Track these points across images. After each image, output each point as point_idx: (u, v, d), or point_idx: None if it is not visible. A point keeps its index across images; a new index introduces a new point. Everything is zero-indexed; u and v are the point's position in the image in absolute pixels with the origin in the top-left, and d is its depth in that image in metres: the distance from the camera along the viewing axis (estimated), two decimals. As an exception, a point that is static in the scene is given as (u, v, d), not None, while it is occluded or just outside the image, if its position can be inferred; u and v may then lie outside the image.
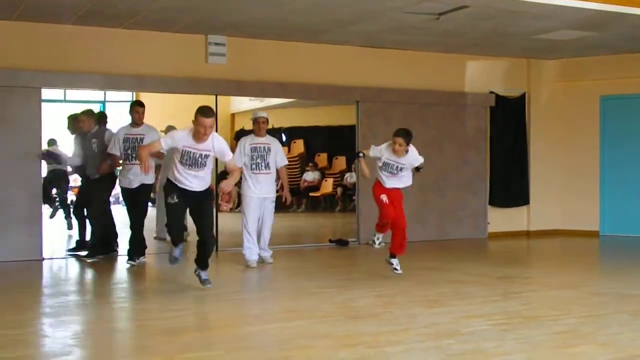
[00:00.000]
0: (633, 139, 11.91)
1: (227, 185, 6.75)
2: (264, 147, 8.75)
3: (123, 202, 9.11)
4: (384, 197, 7.63)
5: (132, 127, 8.77)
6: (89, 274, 8.39)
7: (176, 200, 6.68)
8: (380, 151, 7.69)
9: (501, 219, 12.19)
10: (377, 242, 7.96)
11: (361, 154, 7.91)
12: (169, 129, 10.93)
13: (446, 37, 10.25)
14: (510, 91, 12.19)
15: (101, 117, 10.21)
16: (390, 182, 7.69)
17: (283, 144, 19.28)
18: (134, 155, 8.52)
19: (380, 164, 7.69)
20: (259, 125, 8.78)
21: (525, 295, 6.86)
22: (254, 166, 8.68)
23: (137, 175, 8.55)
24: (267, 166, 8.69)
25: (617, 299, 6.58)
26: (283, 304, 6.44)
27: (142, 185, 8.70)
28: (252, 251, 8.62)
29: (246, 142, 8.71)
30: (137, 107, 8.79)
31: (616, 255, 10.30)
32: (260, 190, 8.69)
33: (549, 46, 10.94)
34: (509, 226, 12.27)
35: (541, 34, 9.98)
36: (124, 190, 8.82)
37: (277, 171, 8.88)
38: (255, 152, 8.63)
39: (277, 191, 9.24)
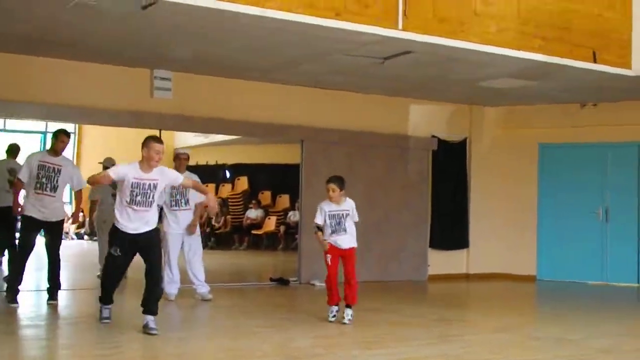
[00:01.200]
0: (568, 188, 12.13)
1: (212, 201, 7.05)
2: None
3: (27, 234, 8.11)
4: (328, 257, 7.47)
5: (49, 155, 8.16)
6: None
7: (119, 254, 6.55)
8: (321, 209, 7.52)
9: (441, 262, 12.26)
10: (330, 316, 7.45)
11: (317, 227, 7.64)
12: (108, 161, 10.80)
13: (391, 80, 10.37)
14: (452, 136, 12.36)
15: (12, 150, 10.02)
16: (341, 239, 7.50)
17: (227, 180, 19.26)
18: (49, 185, 8.00)
19: (327, 222, 7.49)
20: (180, 162, 8.83)
21: (464, 339, 6.88)
22: (173, 203, 8.70)
23: (53, 208, 8.03)
24: (187, 202, 8.73)
25: (554, 344, 6.65)
26: (222, 343, 6.33)
27: (62, 221, 8.24)
28: (171, 285, 8.65)
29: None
30: (63, 137, 8.19)
31: (553, 300, 10.45)
32: (182, 226, 8.67)
33: (491, 93, 11.16)
34: (448, 269, 12.35)
35: (483, 81, 10.18)
36: (33, 221, 8.01)
37: (195, 205, 8.82)
38: (175, 189, 8.58)
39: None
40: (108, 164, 10.84)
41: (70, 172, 8.23)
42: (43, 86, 9.38)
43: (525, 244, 12.37)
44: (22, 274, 8.12)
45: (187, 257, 8.81)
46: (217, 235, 17.93)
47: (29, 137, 18.09)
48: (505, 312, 8.67)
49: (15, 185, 8.40)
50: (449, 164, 12.29)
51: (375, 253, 11.51)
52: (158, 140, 6.62)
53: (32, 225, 8.03)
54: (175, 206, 8.69)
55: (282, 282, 10.88)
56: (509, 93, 11.05)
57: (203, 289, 8.89)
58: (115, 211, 6.61)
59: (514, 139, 12.52)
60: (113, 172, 6.53)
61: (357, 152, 11.46)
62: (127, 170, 6.51)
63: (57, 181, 8.07)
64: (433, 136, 12.13)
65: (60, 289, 8.37)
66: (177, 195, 8.69)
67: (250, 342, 6.32)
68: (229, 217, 18.33)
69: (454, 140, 12.38)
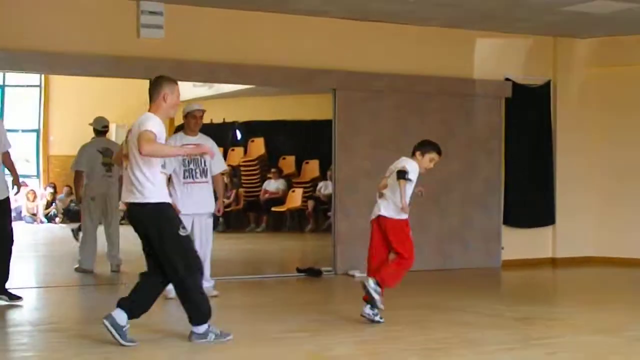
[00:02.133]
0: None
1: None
2: None
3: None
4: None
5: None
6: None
7: (187, 232, 6.65)
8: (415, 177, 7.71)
9: (519, 243, 12.23)
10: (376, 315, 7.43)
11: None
12: (99, 122, 10.93)
13: (451, 6, 10.29)
14: (531, 78, 12.27)
15: None
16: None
17: (238, 143, 19.34)
18: None
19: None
20: (196, 121, 8.89)
21: (550, 342, 6.86)
22: (187, 174, 8.73)
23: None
24: (203, 173, 8.72)
25: (669, 348, 6.64)
26: (236, 353, 6.39)
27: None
28: None
29: (175, 143, 8.65)
30: None
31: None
32: (194, 205, 8.65)
33: (581, 21, 11.02)
34: (529, 252, 12.32)
35: (572, 4, 10.06)
36: None
37: (213, 179, 8.95)
38: (187, 156, 8.60)
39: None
40: (99, 125, 10.95)
41: None
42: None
43: (631, 218, 12.30)
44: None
45: (197, 245, 8.80)
46: (226, 214, 18.04)
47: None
48: (604, 308, 8.64)
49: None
50: (528, 115, 12.22)
51: (433, 234, 11.52)
52: (174, 80, 6.64)
53: None
54: (189, 177, 8.72)
55: (312, 273, 10.95)
56: (604, 20, 10.91)
57: (206, 283, 8.95)
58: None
59: (613, 80, 12.40)
60: (153, 129, 6.34)
61: (407, 103, 11.42)
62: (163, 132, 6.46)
63: None
64: (506, 79, 12.06)
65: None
66: (190, 164, 8.71)
67: (273, 351, 6.37)
68: (241, 190, 18.41)
69: (534, 83, 12.30)
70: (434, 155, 7.74)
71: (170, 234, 6.39)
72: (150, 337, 6.77)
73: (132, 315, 6.43)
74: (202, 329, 6.54)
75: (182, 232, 6.43)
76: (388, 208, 7.64)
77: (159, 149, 6.36)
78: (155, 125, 6.33)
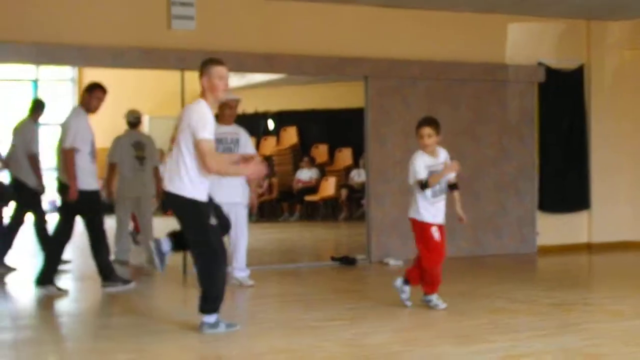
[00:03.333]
0: None
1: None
2: (231, 139, 8.81)
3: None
4: (435, 232, 7.61)
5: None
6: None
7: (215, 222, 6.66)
8: (423, 162, 7.66)
9: (554, 229, 12.17)
10: (406, 300, 7.64)
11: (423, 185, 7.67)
12: (132, 115, 10.98)
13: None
14: (565, 62, 12.19)
15: (37, 106, 10.30)
16: (436, 209, 7.73)
17: (270, 132, 19.36)
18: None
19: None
20: (231, 110, 8.94)
21: (588, 328, 6.84)
22: None
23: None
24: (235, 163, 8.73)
25: None
26: (273, 342, 6.41)
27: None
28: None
29: None
30: (99, 92, 8.87)
31: None
32: (228, 194, 8.66)
33: (615, 3, 10.92)
34: (564, 237, 12.26)
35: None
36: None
37: None
38: (220, 145, 8.64)
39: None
40: (133, 118, 11.01)
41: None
42: (32, 21, 9.53)
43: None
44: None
45: (232, 235, 8.86)
46: (260, 204, 18.09)
47: (16, 86, 18.47)
48: (642, 293, 8.60)
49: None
50: (562, 100, 12.15)
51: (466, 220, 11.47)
52: (219, 61, 6.73)
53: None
54: None
55: (346, 261, 10.96)
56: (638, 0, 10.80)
57: (242, 272, 9.01)
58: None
59: (648, 63, 12.30)
60: (208, 133, 6.41)
61: (439, 90, 11.39)
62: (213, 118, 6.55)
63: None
64: (539, 64, 11.98)
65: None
66: (223, 152, 8.74)
67: (308, 340, 6.39)
68: (274, 179, 18.46)
69: (568, 68, 12.21)
70: (420, 130, 7.66)
71: (196, 227, 6.51)
72: (187, 326, 6.83)
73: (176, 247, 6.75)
74: (212, 318, 6.59)
75: (211, 222, 6.49)
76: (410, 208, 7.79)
77: (225, 169, 6.67)
78: (205, 123, 6.40)
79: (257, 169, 6.81)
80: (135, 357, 5.89)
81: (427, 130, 7.60)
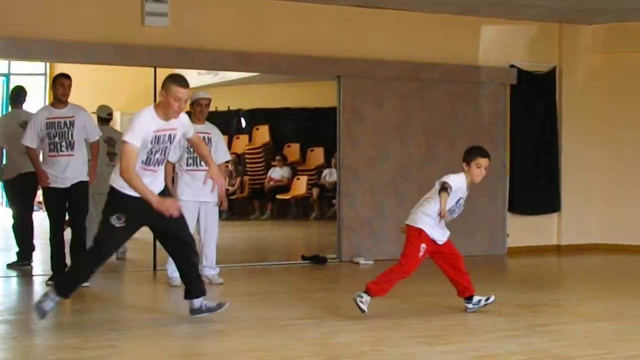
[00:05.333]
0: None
1: (216, 173, 7.00)
2: (204, 137, 8.78)
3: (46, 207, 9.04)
4: (422, 249, 7.31)
5: (54, 108, 8.72)
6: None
7: (123, 225, 6.56)
8: (464, 187, 7.45)
9: (524, 230, 12.23)
10: (363, 305, 7.15)
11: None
12: (103, 110, 10.90)
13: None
14: (536, 65, 12.25)
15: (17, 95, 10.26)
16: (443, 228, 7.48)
17: (243, 131, 19.33)
18: (63, 144, 8.54)
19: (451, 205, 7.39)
20: (201, 109, 8.92)
21: (556, 329, 6.88)
22: (190, 161, 8.75)
23: (72, 171, 8.59)
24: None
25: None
26: (243, 341, 6.40)
27: (81, 183, 8.71)
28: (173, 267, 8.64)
29: None
30: (61, 80, 8.72)
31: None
32: (199, 192, 8.65)
33: (587, 7, 10.98)
34: (534, 239, 12.32)
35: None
36: (52, 192, 8.70)
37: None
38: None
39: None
40: (103, 113, 10.92)
41: (84, 122, 8.70)
42: (4, 15, 9.46)
43: (634, 207, 12.29)
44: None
45: (201, 233, 8.86)
46: (231, 202, 18.04)
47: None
48: (611, 295, 8.64)
49: (29, 155, 8.79)
50: (533, 102, 12.21)
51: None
52: (183, 82, 6.56)
53: (51, 196, 8.70)
54: (193, 165, 8.74)
55: (317, 260, 10.96)
56: (611, 6, 10.86)
57: (211, 270, 8.99)
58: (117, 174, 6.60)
59: (620, 67, 12.37)
60: (133, 138, 6.38)
61: (411, 91, 11.42)
62: (147, 126, 6.47)
63: (72, 136, 8.58)
64: (512, 66, 12.04)
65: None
66: (194, 152, 8.72)
67: (278, 339, 6.38)
68: (246, 178, 18.42)
69: (539, 70, 12.28)
70: (480, 160, 7.35)
71: (104, 213, 6.72)
72: (157, 322, 6.80)
73: (191, 295, 6.90)
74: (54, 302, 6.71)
75: (115, 220, 6.57)
76: (411, 214, 7.49)
77: (132, 181, 6.43)
78: (134, 127, 6.44)
79: (170, 206, 6.55)
80: (104, 354, 5.85)
81: (487, 162, 7.40)
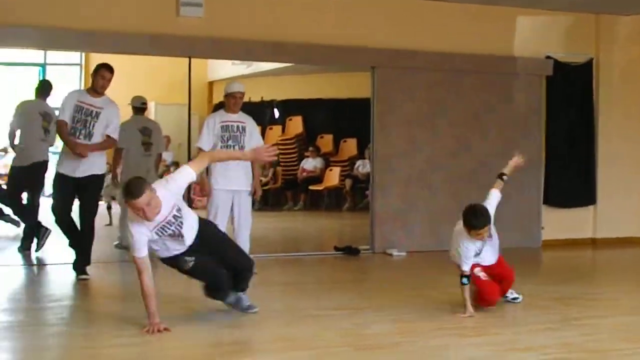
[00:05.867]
0: None
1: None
2: (238, 126, 8.85)
3: (55, 194, 8.88)
4: (478, 271, 7.15)
5: (88, 94, 8.64)
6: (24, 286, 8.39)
7: (194, 262, 6.56)
8: (473, 251, 7.11)
9: (559, 223, 12.15)
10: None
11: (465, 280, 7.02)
12: (137, 100, 10.96)
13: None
14: (573, 56, 12.15)
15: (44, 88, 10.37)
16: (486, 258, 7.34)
17: (276, 121, 19.36)
18: (83, 131, 8.49)
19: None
20: (235, 100, 8.93)
21: (590, 323, 6.83)
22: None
23: (84, 162, 8.48)
24: (242, 150, 8.78)
25: None
26: (274, 331, 6.43)
27: (93, 176, 8.64)
28: None
29: (216, 120, 8.83)
30: (103, 72, 8.60)
31: None
32: (232, 181, 8.72)
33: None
34: (569, 232, 12.24)
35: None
36: (63, 178, 8.58)
37: None
38: (226, 132, 8.73)
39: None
40: (137, 103, 10.99)
41: (110, 117, 8.62)
42: (40, 6, 9.53)
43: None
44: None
45: (236, 223, 8.90)
46: (264, 193, 18.07)
47: (23, 70, 18.47)
48: (645, 289, 8.59)
49: (59, 128, 8.68)
50: (569, 93, 12.12)
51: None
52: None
53: (61, 182, 8.55)
54: None
55: (350, 251, 10.95)
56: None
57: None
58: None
59: (657, 58, 12.26)
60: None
61: (446, 82, 11.37)
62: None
63: (93, 127, 8.49)
64: (547, 57, 11.95)
65: (89, 263, 8.74)
66: (229, 140, 8.78)
67: (309, 329, 6.40)
68: (279, 168, 18.46)
69: (576, 62, 12.18)
70: (474, 232, 7.04)
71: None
72: (189, 312, 6.85)
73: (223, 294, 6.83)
74: None
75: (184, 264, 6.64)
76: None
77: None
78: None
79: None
80: (137, 341, 5.90)
81: (486, 230, 7.13)
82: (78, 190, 8.60)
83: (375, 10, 10.99)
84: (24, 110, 10.40)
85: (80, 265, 8.63)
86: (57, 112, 8.92)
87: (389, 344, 5.93)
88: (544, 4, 11.55)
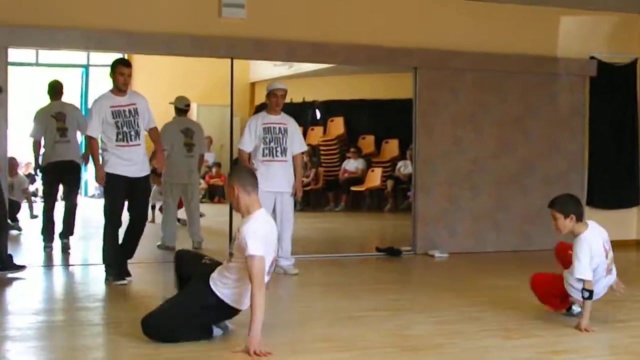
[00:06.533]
0: None
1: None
2: (280, 128, 8.89)
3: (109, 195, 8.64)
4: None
5: (115, 96, 8.44)
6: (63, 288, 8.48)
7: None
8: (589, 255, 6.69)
9: (603, 224, 11.96)
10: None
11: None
12: (180, 101, 11.02)
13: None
14: (617, 56, 12.05)
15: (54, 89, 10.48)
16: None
17: (318, 122, 19.39)
18: (132, 132, 8.36)
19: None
20: (277, 100, 8.98)
21: (636, 325, 6.79)
22: (266, 152, 8.84)
23: (140, 161, 8.42)
24: (284, 152, 8.82)
25: None
26: (316, 331, 6.44)
27: (147, 176, 8.59)
28: None
29: (257, 122, 8.87)
30: (122, 68, 8.40)
31: None
32: (275, 183, 8.75)
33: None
34: (613, 234, 11.98)
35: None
36: (117, 179, 8.39)
37: (293, 159, 9.06)
38: (268, 134, 8.81)
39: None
40: (181, 104, 11.06)
41: (144, 108, 8.54)
42: (83, 7, 9.64)
43: None
44: (119, 245, 8.56)
45: (277, 223, 8.88)
46: (306, 193, 18.09)
47: (67, 72, 18.64)
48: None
49: (90, 145, 8.61)
50: (613, 94, 12.03)
51: (513, 214, 11.43)
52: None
53: (120, 185, 8.38)
54: (269, 155, 8.86)
55: (392, 252, 10.95)
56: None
57: (286, 262, 9.04)
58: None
59: None
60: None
61: (488, 82, 11.33)
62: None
63: (137, 124, 8.42)
64: (591, 57, 11.87)
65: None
66: (271, 142, 8.84)
67: (351, 330, 6.40)
68: (320, 169, 18.48)
69: (620, 62, 12.08)
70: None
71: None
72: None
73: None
74: None
75: None
76: None
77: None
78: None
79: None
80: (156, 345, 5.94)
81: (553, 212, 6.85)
82: (131, 191, 8.44)
83: (417, 11, 10.98)
84: (39, 119, 10.54)
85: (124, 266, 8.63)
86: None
87: (432, 346, 5.92)
88: (589, 4, 11.46)
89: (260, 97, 15.00)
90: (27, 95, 12.83)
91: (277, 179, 8.81)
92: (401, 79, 12.09)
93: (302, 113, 18.36)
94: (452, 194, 11.19)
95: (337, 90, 18.32)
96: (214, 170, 16.24)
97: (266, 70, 15.88)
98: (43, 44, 10.14)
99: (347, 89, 18.04)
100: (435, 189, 11.05)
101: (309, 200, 17.84)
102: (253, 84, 16.90)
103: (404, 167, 16.75)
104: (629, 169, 12.17)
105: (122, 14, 9.79)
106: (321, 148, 18.82)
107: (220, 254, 9.80)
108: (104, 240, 8.48)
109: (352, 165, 18.08)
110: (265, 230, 5.83)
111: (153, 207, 12.81)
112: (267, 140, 8.82)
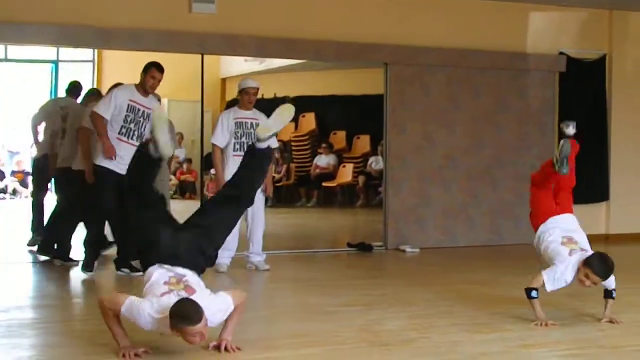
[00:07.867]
0: None
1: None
2: (251, 123, 8.88)
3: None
4: None
5: (138, 93, 8.47)
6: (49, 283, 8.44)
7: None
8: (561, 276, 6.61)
9: (572, 219, 12.12)
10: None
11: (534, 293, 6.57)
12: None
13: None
14: (586, 52, 12.13)
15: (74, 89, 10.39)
16: None
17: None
18: (136, 133, 8.36)
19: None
20: (249, 97, 8.99)
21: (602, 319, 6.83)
22: (237, 146, 8.82)
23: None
24: None
25: None
26: (288, 327, 6.45)
27: None
28: (222, 252, 8.60)
29: (229, 116, 8.89)
30: (154, 72, 8.46)
31: None
32: None
33: (638, -7, 10.86)
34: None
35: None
36: (109, 173, 8.31)
37: None
38: (240, 129, 8.80)
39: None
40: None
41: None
42: (52, 3, 9.58)
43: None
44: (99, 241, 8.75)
45: (249, 219, 8.92)
46: (277, 189, 18.09)
47: (36, 67, 18.51)
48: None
49: (96, 123, 8.41)
50: (582, 90, 12.09)
51: (484, 209, 11.50)
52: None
53: (109, 180, 8.30)
54: (240, 150, 8.79)
55: (363, 248, 10.97)
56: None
57: (258, 257, 9.05)
58: None
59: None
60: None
61: (459, 78, 11.37)
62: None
63: (144, 128, 8.39)
64: (561, 53, 11.94)
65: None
66: (242, 137, 8.83)
67: (323, 325, 6.41)
68: (292, 165, 18.47)
69: (589, 58, 12.15)
70: (589, 274, 6.60)
71: None
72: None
73: None
74: None
75: None
76: None
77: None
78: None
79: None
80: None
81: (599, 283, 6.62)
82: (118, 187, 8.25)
83: (387, 7, 10.99)
84: (46, 107, 10.46)
85: (124, 259, 8.69)
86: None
87: (404, 340, 5.94)
88: (557, 0, 11.52)
89: (231, 93, 14.95)
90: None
91: None
92: (372, 74, 12.12)
93: (273, 109, 18.21)
94: (423, 189, 11.23)
95: (308, 85, 18.32)
96: (184, 166, 16.20)
97: (237, 65, 15.85)
98: (12, 39, 10.06)
99: (319, 84, 18.05)
100: (406, 185, 11.10)
101: (280, 196, 17.85)
102: (224, 80, 16.87)
103: (375, 163, 16.80)
104: (598, 164, 12.25)
105: (92, 9, 9.73)
106: (293, 144, 18.82)
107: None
108: (90, 235, 8.71)
109: (324, 160, 18.10)
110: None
111: None
112: (239, 135, 8.82)
